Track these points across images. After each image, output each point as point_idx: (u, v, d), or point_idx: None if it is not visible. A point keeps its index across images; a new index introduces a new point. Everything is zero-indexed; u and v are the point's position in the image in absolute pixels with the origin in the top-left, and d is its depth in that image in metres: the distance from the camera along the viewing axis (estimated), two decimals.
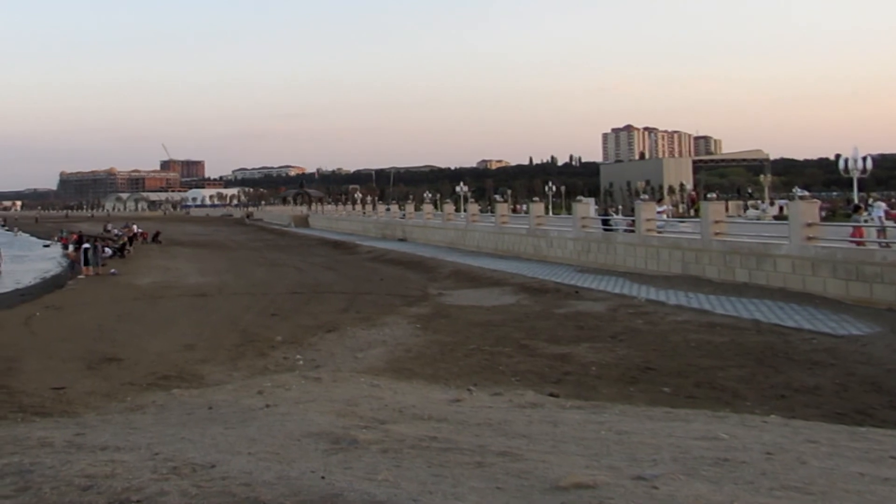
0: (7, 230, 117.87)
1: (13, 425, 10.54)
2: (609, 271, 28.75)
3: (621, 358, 14.74)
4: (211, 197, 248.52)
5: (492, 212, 55.01)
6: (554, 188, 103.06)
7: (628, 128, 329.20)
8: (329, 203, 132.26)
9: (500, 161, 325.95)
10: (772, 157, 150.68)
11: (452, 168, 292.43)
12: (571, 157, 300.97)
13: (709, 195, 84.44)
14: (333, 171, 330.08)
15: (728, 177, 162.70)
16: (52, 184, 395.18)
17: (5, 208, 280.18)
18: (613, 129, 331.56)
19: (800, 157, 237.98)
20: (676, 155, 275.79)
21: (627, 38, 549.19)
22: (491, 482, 5.61)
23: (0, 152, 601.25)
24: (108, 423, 10.22)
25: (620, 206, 64.97)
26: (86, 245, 40.13)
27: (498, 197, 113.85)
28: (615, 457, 6.60)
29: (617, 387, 12.59)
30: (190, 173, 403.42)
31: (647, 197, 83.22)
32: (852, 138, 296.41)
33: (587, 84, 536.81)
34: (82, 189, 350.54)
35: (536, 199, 76.08)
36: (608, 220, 34.91)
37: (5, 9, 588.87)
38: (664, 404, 10.84)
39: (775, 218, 49.08)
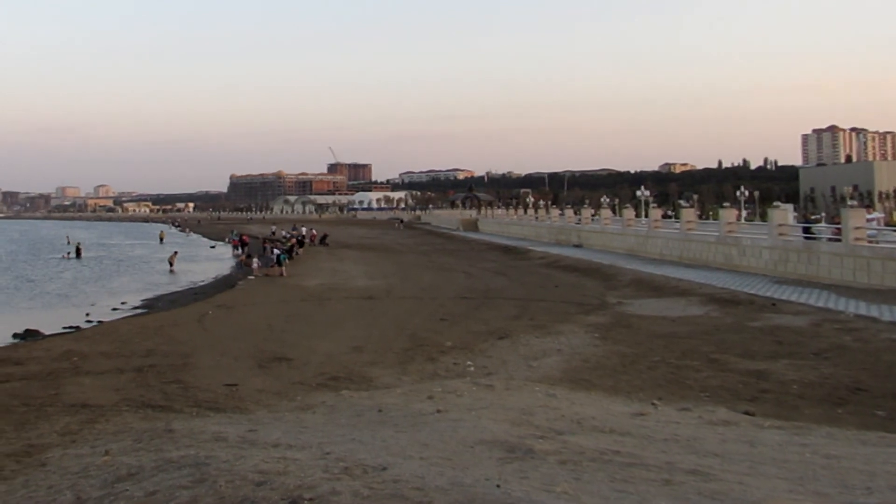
0: (180, 230, 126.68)
1: (189, 419, 11.23)
2: (810, 283, 27.50)
3: (826, 377, 14.02)
4: (378, 200, 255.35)
5: (676, 218, 53.80)
6: (746, 193, 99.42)
7: (832, 128, 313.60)
8: (499, 207, 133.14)
9: (684, 164, 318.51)
10: None
11: (632, 171, 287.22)
12: (766, 161, 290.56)
13: None
14: (503, 175, 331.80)
15: None
16: (222, 186, 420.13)
17: (178, 210, 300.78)
18: (815, 130, 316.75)
19: None
20: (889, 158, 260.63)
21: (829, 30, 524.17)
22: (681, 501, 5.46)
23: (174, 156, 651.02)
24: (280, 420, 10.70)
25: (823, 213, 61.82)
26: (276, 251, 43.08)
27: (683, 202, 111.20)
28: (823, 482, 6.29)
29: (822, 408, 11.99)
30: (357, 176, 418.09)
31: (855, 203, 79.06)
32: None
33: (784, 81, 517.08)
34: (251, 192, 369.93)
35: (727, 204, 73.84)
36: (810, 227, 33.54)
37: (176, 16, 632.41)
38: (878, 429, 10.24)
39: None
